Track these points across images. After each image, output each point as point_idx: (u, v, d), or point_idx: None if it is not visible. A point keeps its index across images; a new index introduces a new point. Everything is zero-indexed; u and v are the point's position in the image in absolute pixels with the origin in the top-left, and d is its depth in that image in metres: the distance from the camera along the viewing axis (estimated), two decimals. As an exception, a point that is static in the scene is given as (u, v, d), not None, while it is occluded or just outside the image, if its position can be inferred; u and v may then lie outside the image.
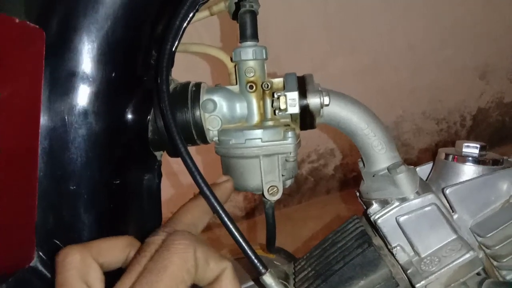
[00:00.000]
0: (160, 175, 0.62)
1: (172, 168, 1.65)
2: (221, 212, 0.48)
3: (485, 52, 2.20)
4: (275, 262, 0.71)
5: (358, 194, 0.62)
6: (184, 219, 0.46)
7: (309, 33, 1.84)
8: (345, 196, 2.18)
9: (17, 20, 0.43)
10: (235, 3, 0.61)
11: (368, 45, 1.95)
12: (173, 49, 0.54)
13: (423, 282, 0.48)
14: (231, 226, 0.47)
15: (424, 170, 0.63)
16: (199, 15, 0.67)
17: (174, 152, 0.58)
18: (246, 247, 0.47)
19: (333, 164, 2.18)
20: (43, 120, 0.50)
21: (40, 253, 0.51)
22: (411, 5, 1.97)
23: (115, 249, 0.41)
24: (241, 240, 0.47)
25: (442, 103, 2.22)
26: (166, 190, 1.77)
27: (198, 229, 0.47)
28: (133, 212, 0.60)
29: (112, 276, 0.40)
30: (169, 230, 0.41)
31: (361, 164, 0.61)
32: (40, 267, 0.51)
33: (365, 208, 0.60)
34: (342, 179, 2.22)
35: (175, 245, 0.37)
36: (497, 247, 0.50)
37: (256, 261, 0.47)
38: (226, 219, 0.47)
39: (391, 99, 2.05)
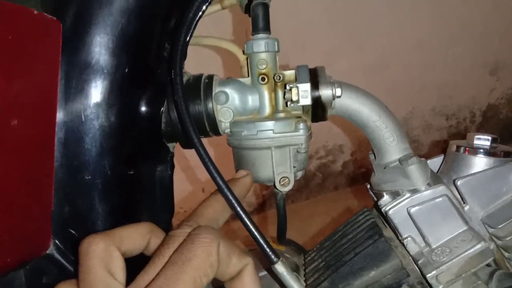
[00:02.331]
0: (172, 167, 0.63)
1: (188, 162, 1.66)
2: (233, 201, 0.48)
3: (495, 48, 2.18)
4: (285, 254, 0.72)
5: (368, 186, 0.62)
6: (205, 214, 0.47)
7: (317, 30, 1.84)
8: (353, 192, 2.18)
9: (35, 12, 0.44)
10: (247, -4, 0.61)
11: (377, 42, 1.94)
12: (186, 41, 0.55)
13: (434, 272, 0.48)
14: (243, 215, 0.48)
15: (434, 163, 0.63)
16: (210, 8, 0.68)
17: (188, 144, 0.59)
18: (258, 236, 0.48)
19: (341, 160, 2.18)
20: (59, 112, 0.51)
21: (56, 241, 0.52)
22: (419, 1, 1.95)
23: (136, 236, 0.42)
24: (253, 230, 0.48)
25: (451, 100, 2.20)
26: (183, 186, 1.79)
27: (219, 224, 0.48)
28: (146, 203, 0.61)
29: (131, 262, 0.40)
30: (192, 224, 0.42)
31: (372, 157, 0.61)
32: (56, 255, 0.52)
33: (376, 200, 0.61)
34: (350, 175, 2.22)
35: (199, 238, 0.38)
36: (508, 238, 0.50)
37: (268, 250, 0.48)
38: (238, 208, 0.48)
39: (400, 96, 2.04)
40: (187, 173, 1.74)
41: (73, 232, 0.54)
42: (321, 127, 1.97)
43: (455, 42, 2.08)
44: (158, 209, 0.62)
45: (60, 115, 0.51)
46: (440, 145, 2.20)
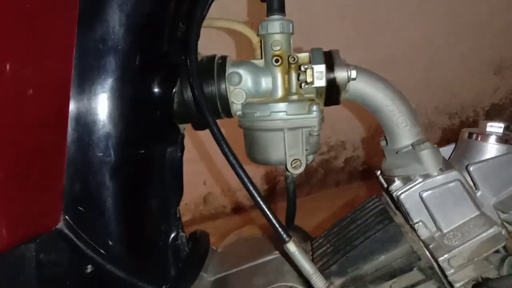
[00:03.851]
0: (183, 149, 0.63)
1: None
2: (246, 181, 0.48)
3: (501, 47, 2.17)
4: (292, 240, 0.72)
5: (379, 172, 0.62)
6: None
7: (324, 27, 1.83)
8: (355, 189, 2.17)
9: (53, -17, 0.44)
10: (262, -22, 0.61)
11: (384, 38, 1.94)
12: (202, 20, 0.54)
13: (446, 255, 0.48)
14: (256, 196, 0.48)
15: (445, 151, 0.63)
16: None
17: (200, 124, 0.59)
18: (271, 216, 0.48)
19: (343, 156, 2.18)
20: (73, 88, 0.50)
21: (67, 217, 0.52)
22: (427, -1, 1.95)
23: None
24: (266, 209, 0.48)
25: (455, 98, 2.20)
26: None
27: None
28: (155, 183, 0.61)
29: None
30: None
31: (383, 143, 0.61)
32: (66, 230, 0.52)
33: (386, 186, 0.61)
34: (352, 172, 2.22)
35: None
36: (520, 224, 0.50)
37: (280, 229, 0.48)
38: (251, 188, 0.48)
39: (404, 93, 2.04)
40: (188, 165, 1.74)
41: (82, 209, 0.54)
42: (324, 122, 1.97)
43: (462, 40, 2.08)
44: (168, 190, 0.62)
45: (74, 91, 0.50)
46: (443, 143, 2.20)
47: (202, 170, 1.80)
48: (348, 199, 2.07)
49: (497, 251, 0.53)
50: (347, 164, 2.23)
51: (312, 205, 2.05)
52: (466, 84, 2.17)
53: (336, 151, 2.17)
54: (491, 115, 2.30)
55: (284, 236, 0.47)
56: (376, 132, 2.05)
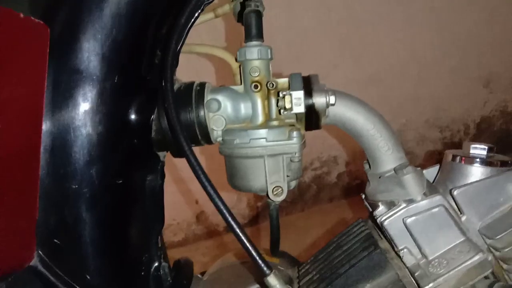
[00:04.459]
0: (163, 176, 0.61)
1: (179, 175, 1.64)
2: (226, 213, 0.47)
3: (489, 61, 2.19)
4: (279, 266, 0.70)
5: (363, 196, 0.61)
6: None
7: (312, 43, 1.84)
8: (348, 204, 2.16)
9: (21, 15, 0.43)
10: (240, 3, 0.61)
11: (372, 55, 1.95)
12: (178, 48, 0.54)
13: (431, 284, 0.47)
14: (236, 227, 0.47)
15: (430, 173, 0.62)
16: (204, 17, 0.67)
17: (178, 152, 0.58)
18: (251, 248, 0.46)
19: (336, 171, 2.17)
20: (46, 118, 0.49)
21: (41, 253, 0.50)
22: (414, 15, 1.97)
23: None
24: (246, 241, 0.47)
25: (445, 112, 2.21)
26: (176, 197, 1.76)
27: None
28: (135, 212, 0.59)
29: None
30: None
31: (366, 166, 0.60)
32: (40, 267, 0.50)
33: (371, 211, 0.59)
34: (345, 186, 2.21)
35: None
36: (506, 249, 0.49)
37: (260, 262, 0.46)
38: (231, 220, 0.47)
39: (394, 108, 2.04)
40: (180, 185, 1.73)
41: (59, 243, 0.52)
42: (316, 138, 1.96)
43: (449, 55, 2.10)
44: (149, 219, 0.61)
45: (46, 122, 0.49)
46: (434, 157, 2.20)
47: (194, 189, 1.79)
48: (342, 214, 2.06)
49: (486, 277, 0.51)
50: (340, 179, 2.22)
51: (306, 222, 2.04)
52: (456, 98, 2.19)
53: (328, 167, 2.17)
54: (482, 128, 2.31)
55: (265, 269, 0.46)
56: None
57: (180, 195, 1.79)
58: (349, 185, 2.23)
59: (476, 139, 2.28)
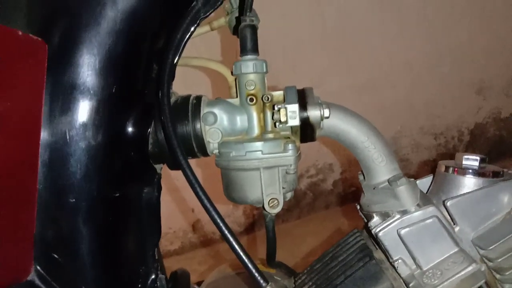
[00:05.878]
0: (160, 188, 0.62)
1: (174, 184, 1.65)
2: (222, 225, 0.47)
3: (482, 68, 2.22)
4: (275, 277, 0.71)
5: (358, 207, 0.62)
6: None
7: (307, 51, 1.86)
8: (344, 211, 2.17)
9: (20, 33, 0.44)
10: (236, 17, 0.62)
11: (366, 63, 1.97)
12: (174, 62, 0.54)
13: (425, 295, 0.48)
14: (232, 240, 0.47)
15: (424, 183, 0.63)
16: (200, 30, 0.68)
17: (175, 165, 0.58)
18: (247, 260, 0.47)
19: (332, 179, 2.18)
20: (44, 133, 0.50)
21: (38, 267, 0.51)
22: (408, 23, 1.99)
23: None
24: (242, 254, 0.47)
25: (440, 119, 2.23)
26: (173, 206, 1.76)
27: None
28: (132, 225, 0.59)
29: None
30: None
31: (361, 177, 0.61)
32: (37, 281, 0.50)
33: (366, 221, 0.60)
34: (341, 194, 2.21)
35: None
36: (499, 260, 0.50)
37: (256, 274, 0.47)
38: (227, 232, 0.47)
39: (389, 115, 2.06)
40: (177, 194, 1.73)
41: (56, 257, 0.52)
42: (311, 146, 1.97)
43: (442, 62, 2.12)
44: (145, 231, 0.61)
45: (44, 136, 0.49)
46: (429, 164, 2.22)
47: (190, 197, 1.79)
48: (338, 222, 2.06)
49: (479, 287, 0.52)
50: (336, 186, 2.23)
51: (302, 230, 2.04)
52: (449, 105, 2.21)
53: (324, 174, 2.17)
54: (475, 134, 2.33)
55: (261, 281, 0.46)
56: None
57: (176, 203, 1.79)
58: (345, 192, 2.23)
59: (470, 145, 2.30)
